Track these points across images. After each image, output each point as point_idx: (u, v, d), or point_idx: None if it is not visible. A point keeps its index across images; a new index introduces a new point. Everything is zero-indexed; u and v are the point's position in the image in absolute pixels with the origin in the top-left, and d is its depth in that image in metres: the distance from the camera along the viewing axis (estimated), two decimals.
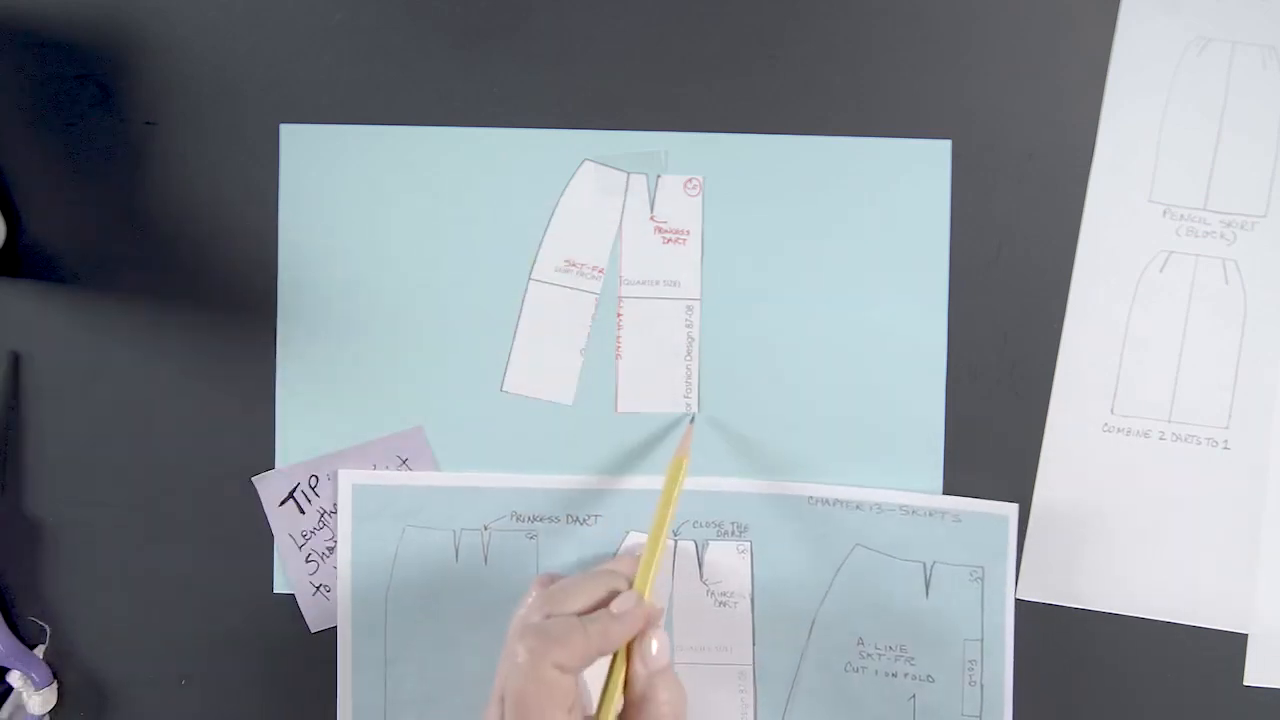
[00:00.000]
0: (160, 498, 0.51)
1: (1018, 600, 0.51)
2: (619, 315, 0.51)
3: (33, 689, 0.51)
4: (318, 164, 0.50)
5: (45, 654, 0.51)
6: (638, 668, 0.40)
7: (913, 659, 0.51)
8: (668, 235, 0.51)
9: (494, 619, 0.51)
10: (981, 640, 0.51)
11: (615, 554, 0.51)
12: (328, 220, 0.50)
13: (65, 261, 0.50)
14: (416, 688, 0.51)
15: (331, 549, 0.51)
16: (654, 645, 0.40)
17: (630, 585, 0.43)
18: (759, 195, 0.51)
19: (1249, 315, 0.51)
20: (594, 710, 0.41)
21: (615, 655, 0.40)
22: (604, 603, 0.41)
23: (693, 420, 0.51)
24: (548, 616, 0.40)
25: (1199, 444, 0.51)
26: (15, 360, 0.51)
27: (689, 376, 0.51)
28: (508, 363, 0.51)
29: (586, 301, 0.51)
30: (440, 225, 0.51)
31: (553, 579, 0.43)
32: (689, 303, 0.51)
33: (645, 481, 0.51)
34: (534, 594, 0.43)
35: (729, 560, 0.51)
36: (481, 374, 0.51)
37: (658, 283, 0.51)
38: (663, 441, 0.51)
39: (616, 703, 0.40)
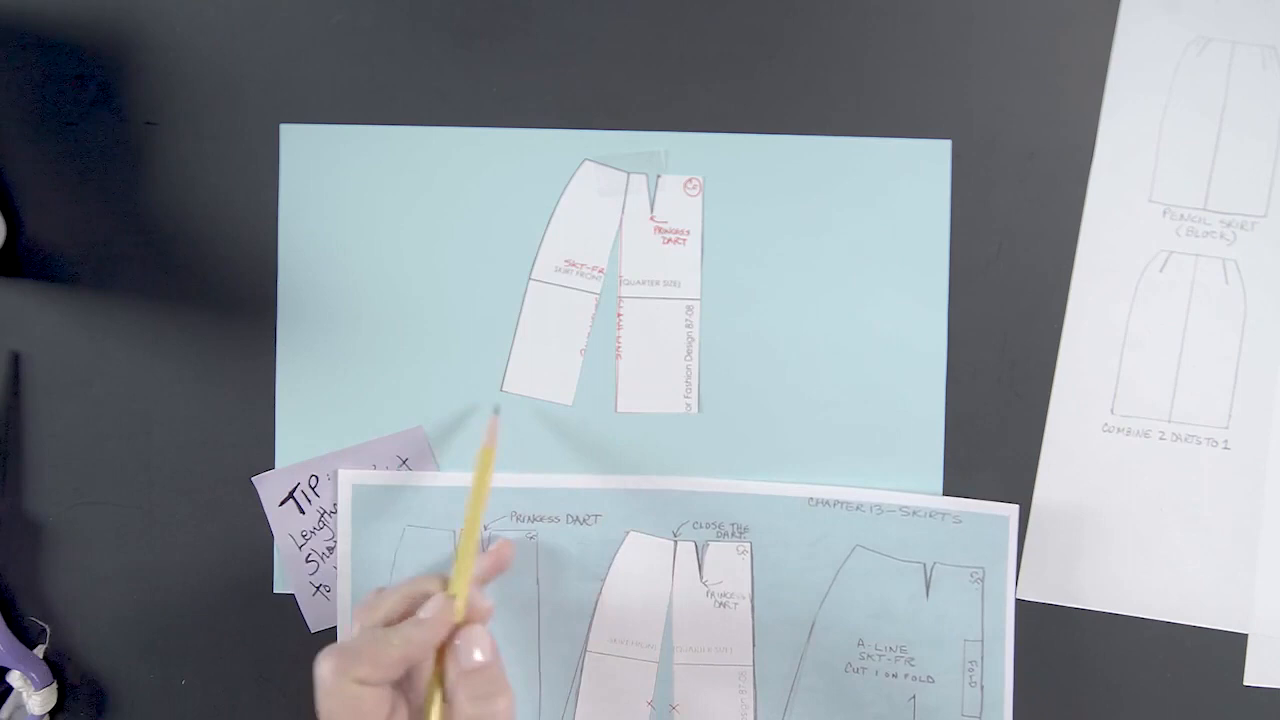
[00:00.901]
0: (160, 498, 0.51)
1: (1018, 600, 0.51)
2: (619, 315, 0.51)
3: (33, 689, 0.51)
4: (318, 164, 0.50)
5: (45, 654, 0.51)
6: (448, 668, 0.38)
7: (913, 659, 0.51)
8: (668, 235, 0.51)
9: (493, 619, 0.51)
10: (981, 640, 0.51)
11: (615, 554, 0.51)
12: (328, 220, 0.50)
13: (65, 261, 0.50)
14: None
15: (331, 549, 0.51)
16: (467, 646, 0.38)
17: (445, 588, 0.42)
18: (759, 195, 0.51)
19: (1249, 315, 0.51)
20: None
21: (435, 664, 0.39)
22: (413, 610, 0.40)
23: (497, 411, 0.49)
24: (360, 630, 0.39)
25: (1199, 444, 0.51)
26: (15, 360, 0.51)
27: (689, 376, 0.51)
28: (508, 363, 0.51)
29: (586, 301, 0.51)
30: (440, 225, 0.51)
31: (380, 592, 0.42)
32: (689, 303, 0.51)
33: (645, 481, 0.51)
34: (355, 611, 0.41)
35: (729, 561, 0.51)
36: (481, 374, 0.51)
37: (658, 283, 0.51)
38: (663, 442, 0.51)
39: (437, 705, 0.38)
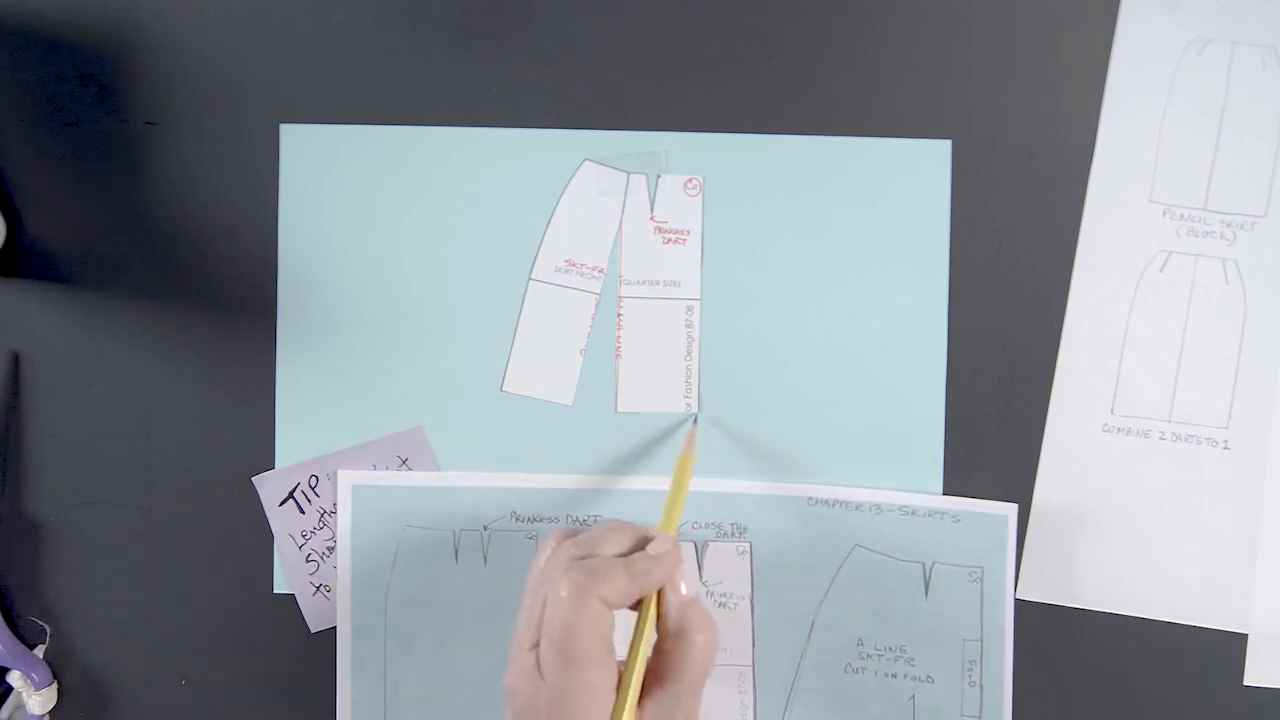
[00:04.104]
0: (160, 498, 0.51)
1: (1017, 600, 0.51)
2: (619, 315, 0.51)
3: (33, 689, 0.51)
4: (318, 164, 0.50)
5: (45, 654, 0.51)
6: (671, 599, 0.40)
7: (912, 659, 0.51)
8: (668, 235, 0.51)
9: (494, 619, 0.51)
10: (981, 640, 0.51)
11: None
12: (328, 220, 0.50)
13: (65, 261, 0.50)
14: (416, 688, 0.51)
15: (331, 549, 0.51)
16: (682, 579, 0.41)
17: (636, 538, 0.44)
18: (759, 195, 0.51)
19: (1249, 315, 0.51)
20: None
21: (647, 601, 0.41)
22: (637, 548, 0.42)
23: (695, 422, 0.51)
24: (583, 558, 0.41)
25: (1199, 444, 0.51)
26: (15, 360, 0.51)
27: (689, 376, 0.51)
28: (508, 363, 0.51)
29: (586, 301, 0.51)
30: (440, 225, 0.51)
31: (571, 534, 0.44)
32: (689, 303, 0.51)
33: (645, 482, 0.51)
34: (554, 544, 0.43)
35: (728, 561, 0.51)
36: (481, 374, 0.51)
37: (658, 283, 0.51)
38: (663, 442, 0.51)
39: (649, 637, 0.40)
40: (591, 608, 0.38)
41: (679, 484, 0.46)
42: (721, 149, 0.50)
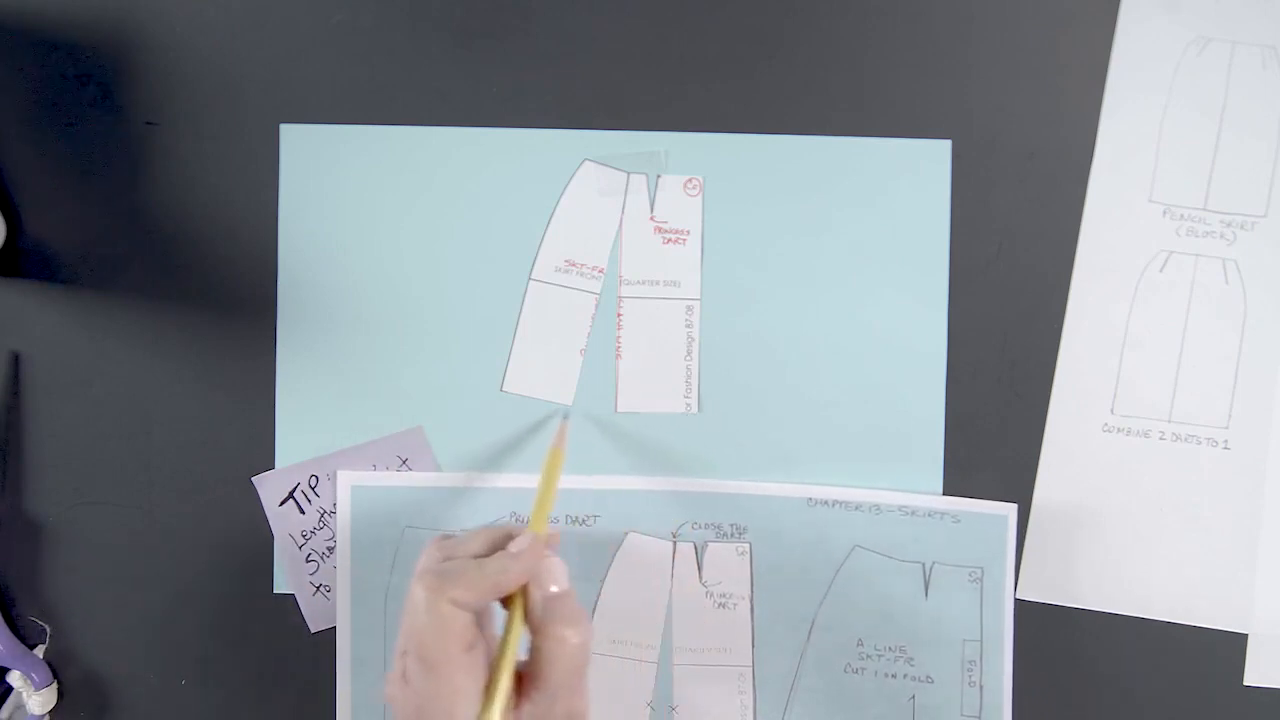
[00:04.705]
0: (160, 498, 0.51)
1: (1017, 600, 0.51)
2: (619, 315, 0.51)
3: (33, 689, 0.51)
4: (318, 164, 0.50)
5: (45, 654, 0.51)
6: (534, 595, 0.39)
7: (912, 659, 0.51)
8: (668, 235, 0.51)
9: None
10: (981, 640, 0.51)
11: (613, 557, 0.51)
12: (328, 220, 0.50)
13: (65, 261, 0.50)
14: None
15: (331, 549, 0.51)
16: (550, 575, 0.40)
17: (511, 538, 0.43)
18: (759, 195, 0.51)
19: (1249, 315, 0.51)
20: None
21: (514, 599, 0.40)
22: (500, 548, 0.41)
23: (566, 417, 0.50)
24: (446, 559, 0.40)
25: (1199, 444, 0.51)
26: (15, 360, 0.51)
27: (689, 376, 0.51)
28: (508, 363, 0.51)
29: (586, 301, 0.51)
30: (440, 225, 0.51)
31: (445, 539, 0.43)
32: (689, 303, 0.51)
33: (645, 482, 0.51)
34: (430, 547, 0.43)
35: (728, 561, 0.51)
36: (481, 374, 0.51)
37: (658, 283, 0.51)
38: (663, 442, 0.51)
39: (517, 635, 0.39)
40: (442, 610, 0.37)
41: (549, 479, 0.45)
42: (721, 149, 0.50)
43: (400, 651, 0.39)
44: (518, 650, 0.39)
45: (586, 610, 0.40)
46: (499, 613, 0.40)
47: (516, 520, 0.51)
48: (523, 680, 0.38)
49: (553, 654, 0.38)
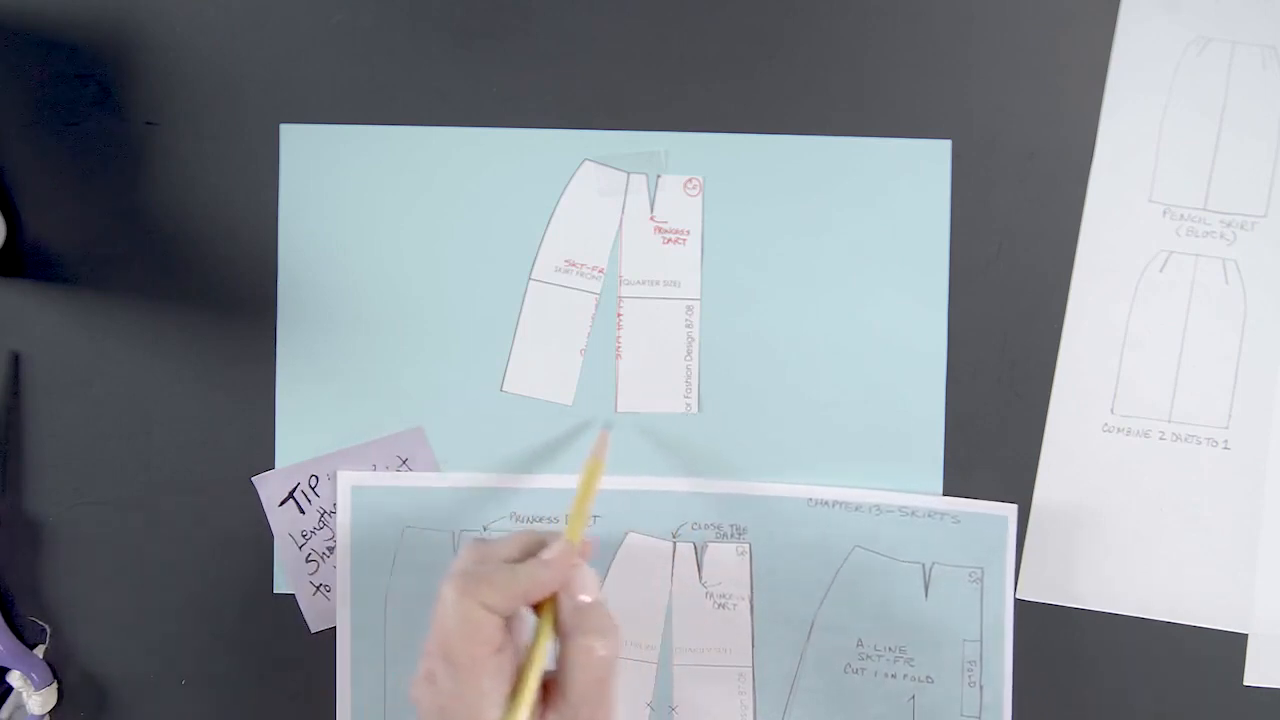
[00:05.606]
0: (160, 498, 0.51)
1: (1017, 600, 0.51)
2: (619, 315, 0.51)
3: (33, 689, 0.51)
4: (318, 164, 0.50)
5: (45, 654, 0.51)
6: (564, 604, 0.39)
7: (912, 660, 0.51)
8: (668, 235, 0.51)
9: None
10: (981, 641, 0.51)
11: (613, 557, 0.51)
12: (328, 220, 0.51)
13: (65, 261, 0.51)
14: None
15: (331, 549, 0.51)
16: (582, 584, 0.40)
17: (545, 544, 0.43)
18: (759, 195, 0.51)
19: (1249, 315, 0.51)
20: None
21: (544, 606, 0.40)
22: (534, 554, 0.41)
23: (609, 426, 0.51)
24: (480, 562, 0.40)
25: (1199, 444, 0.51)
26: (15, 360, 0.51)
27: (689, 376, 0.51)
28: (508, 363, 0.51)
29: (586, 301, 0.51)
30: (440, 225, 0.51)
31: (481, 542, 0.44)
32: (689, 303, 0.51)
33: (645, 482, 0.51)
34: (465, 550, 0.43)
35: (728, 562, 0.51)
36: (481, 374, 0.51)
37: (658, 283, 0.51)
38: (663, 442, 0.51)
39: (547, 640, 0.39)
40: (472, 612, 0.37)
41: (587, 488, 0.45)
42: (721, 149, 0.50)
43: (427, 652, 0.39)
44: (545, 658, 0.39)
45: (617, 622, 0.40)
46: (530, 620, 0.40)
47: (516, 520, 0.51)
48: (548, 689, 0.38)
49: (578, 663, 0.38)
